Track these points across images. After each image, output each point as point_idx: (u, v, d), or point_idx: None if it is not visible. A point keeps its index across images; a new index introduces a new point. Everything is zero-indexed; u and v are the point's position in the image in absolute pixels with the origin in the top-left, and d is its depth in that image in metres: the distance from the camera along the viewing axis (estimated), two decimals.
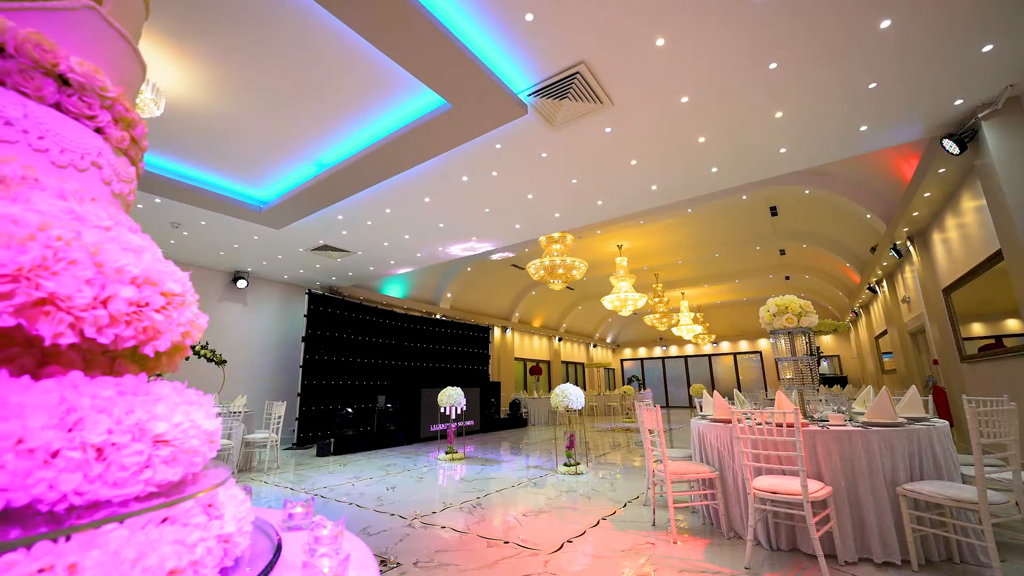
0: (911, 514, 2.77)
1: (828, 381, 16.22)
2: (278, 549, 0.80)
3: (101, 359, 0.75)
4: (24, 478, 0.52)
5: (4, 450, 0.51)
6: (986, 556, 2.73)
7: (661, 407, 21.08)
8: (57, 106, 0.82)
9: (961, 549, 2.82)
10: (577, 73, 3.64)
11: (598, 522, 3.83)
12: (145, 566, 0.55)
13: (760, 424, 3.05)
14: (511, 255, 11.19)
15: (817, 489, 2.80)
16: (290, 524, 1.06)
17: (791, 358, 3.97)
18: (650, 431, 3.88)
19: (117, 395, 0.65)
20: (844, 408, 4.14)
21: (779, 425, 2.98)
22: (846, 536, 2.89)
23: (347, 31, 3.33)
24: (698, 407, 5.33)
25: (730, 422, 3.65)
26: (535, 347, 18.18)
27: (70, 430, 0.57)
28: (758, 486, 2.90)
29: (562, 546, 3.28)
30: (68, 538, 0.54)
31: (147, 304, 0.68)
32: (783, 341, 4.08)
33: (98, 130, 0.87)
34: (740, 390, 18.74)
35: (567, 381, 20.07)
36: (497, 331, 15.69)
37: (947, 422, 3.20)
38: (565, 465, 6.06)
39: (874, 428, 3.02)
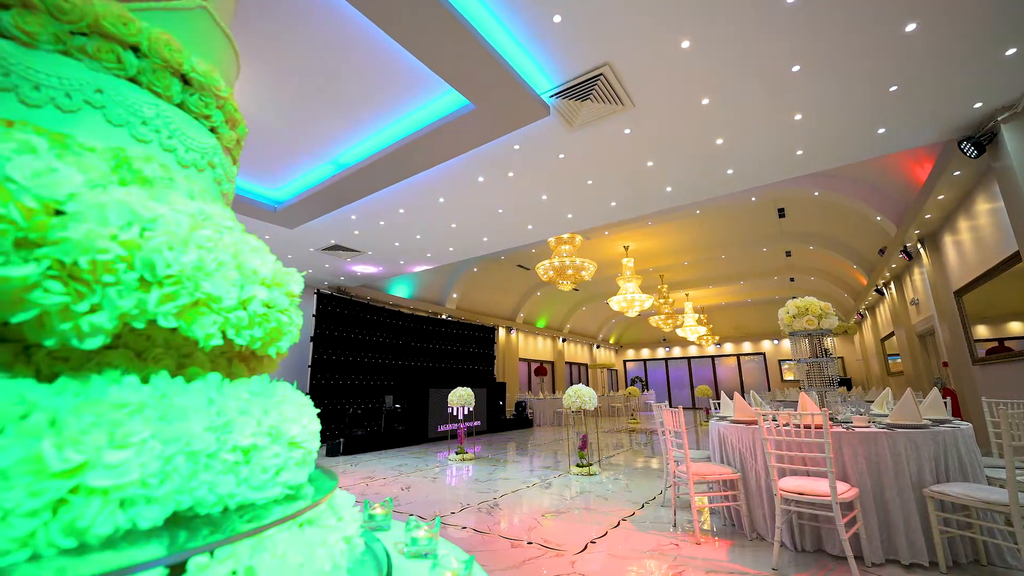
0: (938, 516, 2.77)
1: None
2: (387, 553, 0.80)
3: (220, 360, 0.75)
4: (190, 481, 0.53)
5: (176, 453, 0.51)
6: (1015, 558, 2.74)
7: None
8: (181, 105, 0.83)
9: (988, 551, 2.82)
10: (601, 74, 3.65)
11: (618, 523, 3.83)
12: (314, 568, 0.55)
13: (786, 426, 3.06)
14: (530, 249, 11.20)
15: (844, 491, 2.80)
16: (370, 524, 1.06)
17: (811, 359, 3.98)
18: (672, 432, 3.89)
19: (252, 397, 0.65)
20: (863, 410, 4.15)
21: (807, 427, 2.98)
22: (873, 537, 2.89)
23: (373, 31, 3.34)
24: (711, 408, 5.33)
25: (752, 423, 3.65)
26: (539, 348, 18.18)
27: (221, 433, 0.58)
28: (784, 487, 2.91)
29: (586, 547, 3.28)
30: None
31: (275, 305, 0.68)
32: (803, 342, 4.10)
33: (212, 130, 0.87)
34: (744, 391, 18.75)
35: (570, 382, 20.08)
36: (502, 332, 15.69)
37: (970, 424, 3.20)
38: (577, 466, 6.06)
39: (899, 430, 3.03)
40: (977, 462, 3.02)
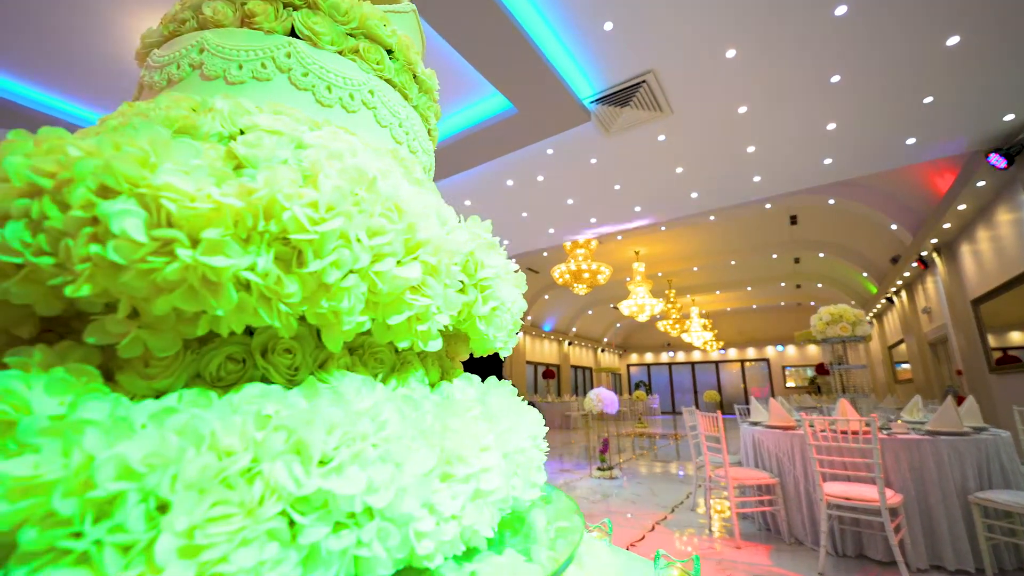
0: (983, 522, 2.81)
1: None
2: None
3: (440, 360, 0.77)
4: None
5: (494, 452, 0.51)
6: None
7: (668, 413, 20.86)
8: (416, 109, 0.84)
9: None
10: (644, 82, 3.69)
11: (653, 527, 3.85)
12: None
13: (831, 431, 3.10)
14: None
15: (890, 496, 2.83)
16: None
17: (845, 365, 4.03)
18: (706, 436, 3.93)
19: (509, 397, 0.67)
20: (893, 417, 4.19)
21: (854, 432, 3.02)
22: (917, 543, 2.93)
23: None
24: (738, 413, 5.37)
25: (788, 428, 3.69)
26: (545, 351, 18.19)
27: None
28: (830, 492, 2.94)
29: (627, 549, 3.29)
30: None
31: (521, 309, 0.70)
32: (835, 348, 4.14)
33: (428, 132, 0.89)
34: (747, 398, 18.79)
35: (575, 385, 20.11)
36: None
37: (1009, 432, 3.25)
38: (599, 469, 6.08)
39: (943, 437, 3.07)
40: (1018, 469, 3.06)
